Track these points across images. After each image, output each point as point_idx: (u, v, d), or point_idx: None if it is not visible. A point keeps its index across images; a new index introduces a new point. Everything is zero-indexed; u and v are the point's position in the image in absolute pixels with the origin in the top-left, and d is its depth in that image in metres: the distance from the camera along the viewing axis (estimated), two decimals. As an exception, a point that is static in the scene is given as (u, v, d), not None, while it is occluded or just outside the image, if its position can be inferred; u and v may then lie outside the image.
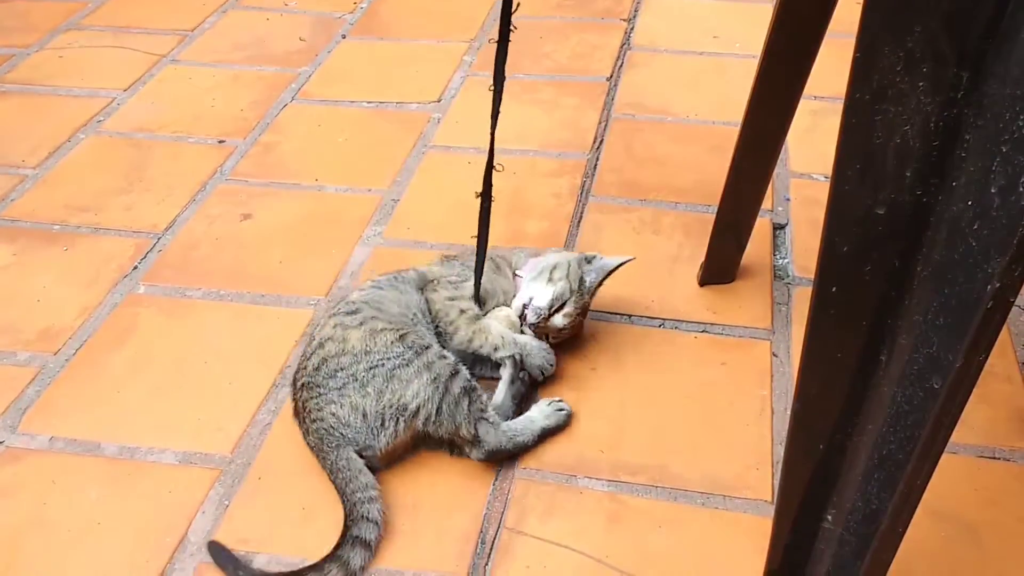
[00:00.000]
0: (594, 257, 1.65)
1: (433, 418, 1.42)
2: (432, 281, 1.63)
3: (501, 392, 1.54)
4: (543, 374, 1.60)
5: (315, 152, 2.27)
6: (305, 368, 1.48)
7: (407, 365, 1.43)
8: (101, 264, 1.93)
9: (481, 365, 1.60)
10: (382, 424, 1.41)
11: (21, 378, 1.67)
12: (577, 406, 1.58)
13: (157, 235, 2.01)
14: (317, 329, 1.52)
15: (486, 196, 1.53)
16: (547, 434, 1.51)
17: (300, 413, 1.48)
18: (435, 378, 1.43)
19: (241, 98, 2.49)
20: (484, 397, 1.48)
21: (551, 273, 1.60)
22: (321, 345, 1.48)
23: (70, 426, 1.58)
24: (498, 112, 1.47)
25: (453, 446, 1.48)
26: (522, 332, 1.60)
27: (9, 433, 1.57)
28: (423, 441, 1.48)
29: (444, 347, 1.53)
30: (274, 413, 1.59)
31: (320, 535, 1.38)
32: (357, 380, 1.43)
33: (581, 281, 1.60)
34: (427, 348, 1.46)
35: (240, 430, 1.56)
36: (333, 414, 1.42)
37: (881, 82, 0.81)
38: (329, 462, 1.42)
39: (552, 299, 1.57)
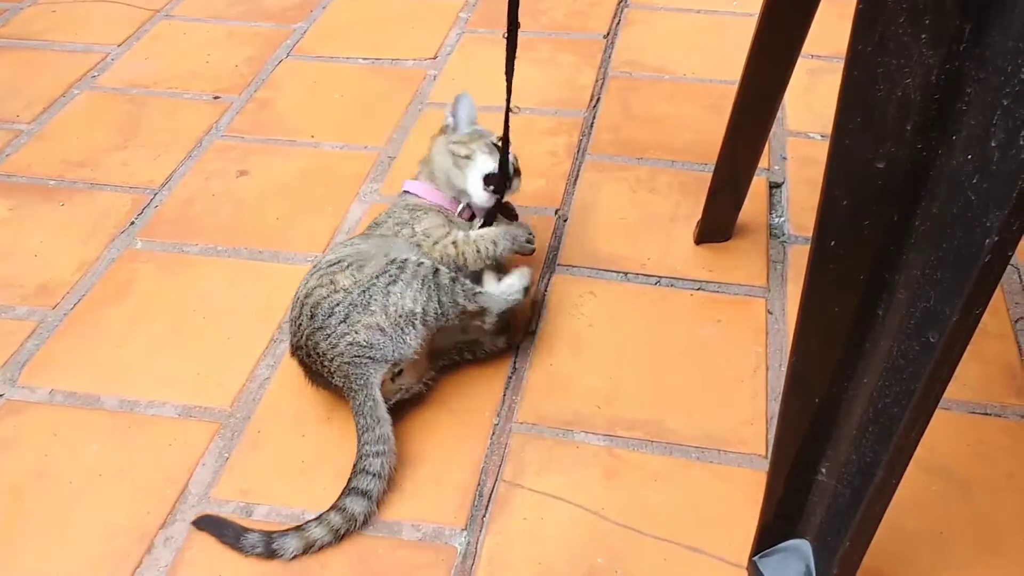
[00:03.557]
0: (454, 124, 1.72)
1: (440, 311, 1.45)
2: (403, 236, 1.62)
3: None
4: (531, 244, 1.69)
5: (311, 109, 2.26)
6: (300, 326, 1.47)
7: (396, 281, 1.45)
8: (98, 219, 1.93)
9: None
10: (402, 331, 1.43)
11: (20, 332, 1.68)
12: (574, 362, 1.59)
13: (154, 191, 2.01)
14: (300, 290, 1.51)
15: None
16: (525, 291, 1.59)
17: (318, 361, 1.46)
18: (423, 280, 1.45)
19: (236, 54, 2.48)
20: (467, 279, 1.53)
21: (456, 159, 1.66)
22: (308, 295, 1.47)
23: (70, 379, 1.59)
24: (514, 55, 1.52)
25: (464, 345, 1.55)
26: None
27: (9, 386, 1.58)
28: (440, 353, 1.54)
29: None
30: (272, 368, 1.60)
31: (319, 487, 1.40)
32: (357, 306, 1.43)
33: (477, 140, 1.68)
34: (406, 261, 1.48)
35: (239, 384, 1.57)
36: (351, 343, 1.42)
37: (883, 34, 0.81)
38: (358, 403, 1.41)
39: (491, 159, 1.64)
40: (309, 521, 1.33)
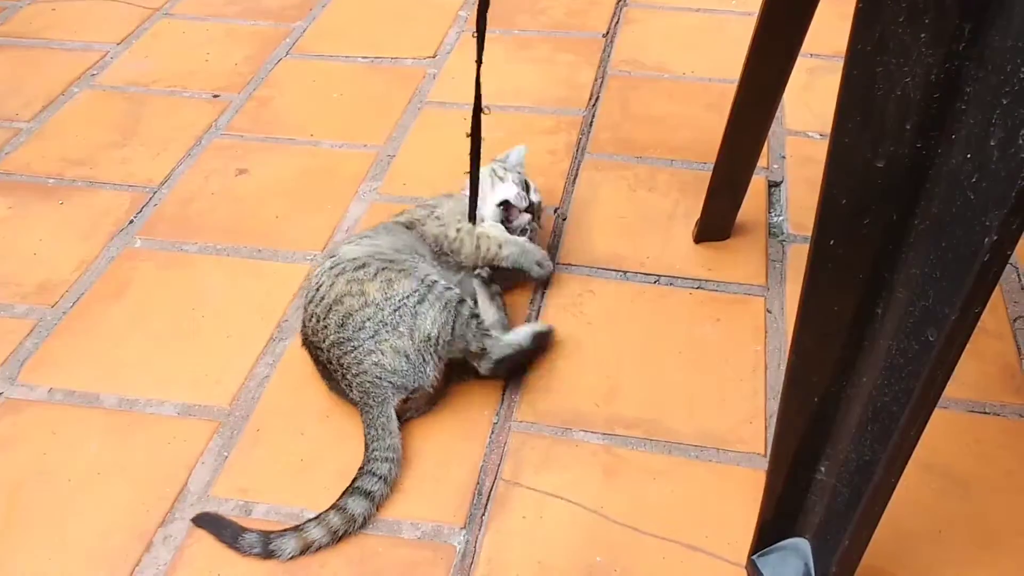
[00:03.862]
0: (505, 157, 1.79)
1: (448, 340, 1.45)
2: (418, 220, 1.67)
3: (487, 310, 1.59)
4: (542, 268, 1.69)
5: (310, 107, 2.26)
6: (326, 328, 1.47)
7: (423, 300, 1.45)
8: (97, 218, 1.93)
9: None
10: (424, 360, 1.44)
11: (19, 330, 1.68)
12: (573, 360, 1.60)
13: (153, 189, 2.01)
14: (323, 288, 1.50)
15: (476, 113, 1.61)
16: (540, 338, 1.58)
17: (337, 371, 1.47)
18: (446, 304, 1.46)
19: (235, 52, 2.48)
20: (485, 322, 1.52)
21: (493, 178, 1.72)
22: (339, 301, 1.46)
23: (69, 378, 1.59)
24: (482, 50, 1.54)
25: (462, 370, 1.52)
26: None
27: (8, 384, 1.58)
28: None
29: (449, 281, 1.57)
30: (272, 366, 1.60)
31: (319, 485, 1.40)
32: (387, 324, 1.44)
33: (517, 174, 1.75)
34: (436, 283, 1.49)
35: (238, 383, 1.57)
36: (376, 363, 1.43)
37: (883, 33, 0.81)
38: (371, 417, 1.42)
39: (518, 188, 1.70)
40: (308, 521, 1.33)
